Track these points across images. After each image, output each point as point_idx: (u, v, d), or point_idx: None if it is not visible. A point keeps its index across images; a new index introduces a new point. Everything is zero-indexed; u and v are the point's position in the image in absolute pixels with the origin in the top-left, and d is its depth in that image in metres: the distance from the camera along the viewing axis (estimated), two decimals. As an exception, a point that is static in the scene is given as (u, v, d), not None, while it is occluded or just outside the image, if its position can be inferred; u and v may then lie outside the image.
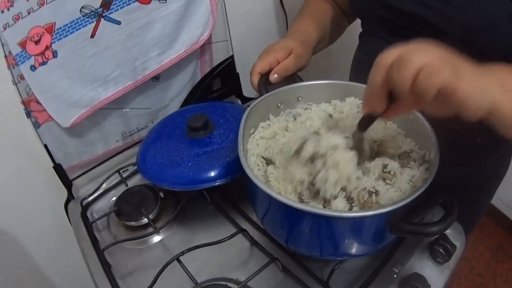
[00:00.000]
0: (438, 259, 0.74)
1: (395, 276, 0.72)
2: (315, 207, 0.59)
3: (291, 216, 0.60)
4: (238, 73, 1.13)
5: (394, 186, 0.63)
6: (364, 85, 0.61)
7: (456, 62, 0.49)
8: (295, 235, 0.64)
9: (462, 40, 0.65)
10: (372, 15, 0.82)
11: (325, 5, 0.95)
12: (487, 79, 0.50)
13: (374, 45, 0.84)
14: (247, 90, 1.19)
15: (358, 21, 0.94)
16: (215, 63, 1.08)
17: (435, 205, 0.60)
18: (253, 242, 0.81)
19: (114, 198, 0.94)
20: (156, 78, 0.97)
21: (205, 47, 1.03)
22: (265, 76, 0.81)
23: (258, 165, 0.70)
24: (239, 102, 1.18)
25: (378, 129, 0.73)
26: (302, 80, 0.82)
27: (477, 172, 0.92)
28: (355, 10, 0.89)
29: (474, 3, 0.65)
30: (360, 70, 0.92)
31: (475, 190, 0.96)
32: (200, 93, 1.07)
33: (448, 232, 0.76)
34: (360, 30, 0.93)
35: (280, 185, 0.67)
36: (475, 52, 0.65)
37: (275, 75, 0.81)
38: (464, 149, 0.82)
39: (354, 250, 0.63)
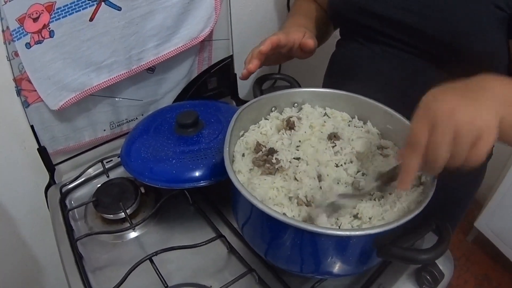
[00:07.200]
0: (424, 286, 0.71)
1: (377, 300, 0.70)
2: (299, 222, 0.55)
3: (272, 228, 0.58)
4: (235, 74, 1.11)
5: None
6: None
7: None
8: (275, 248, 0.61)
9: (448, 44, 0.67)
10: (351, 21, 0.81)
11: (315, 7, 0.95)
12: (491, 101, 0.52)
13: (350, 49, 0.84)
14: (243, 92, 1.16)
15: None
16: (213, 61, 1.06)
17: (428, 230, 0.58)
18: (231, 249, 0.78)
19: (94, 188, 0.91)
20: (151, 70, 0.95)
21: (204, 43, 1.01)
22: (260, 78, 0.78)
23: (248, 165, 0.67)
24: (234, 104, 1.15)
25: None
26: (299, 86, 0.80)
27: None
28: (333, 15, 0.87)
29: (461, 8, 0.65)
30: (335, 71, 0.90)
31: (457, 194, 0.94)
32: (194, 90, 1.05)
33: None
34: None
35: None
36: (461, 57, 0.67)
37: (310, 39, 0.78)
38: None
39: (336, 269, 0.60)
